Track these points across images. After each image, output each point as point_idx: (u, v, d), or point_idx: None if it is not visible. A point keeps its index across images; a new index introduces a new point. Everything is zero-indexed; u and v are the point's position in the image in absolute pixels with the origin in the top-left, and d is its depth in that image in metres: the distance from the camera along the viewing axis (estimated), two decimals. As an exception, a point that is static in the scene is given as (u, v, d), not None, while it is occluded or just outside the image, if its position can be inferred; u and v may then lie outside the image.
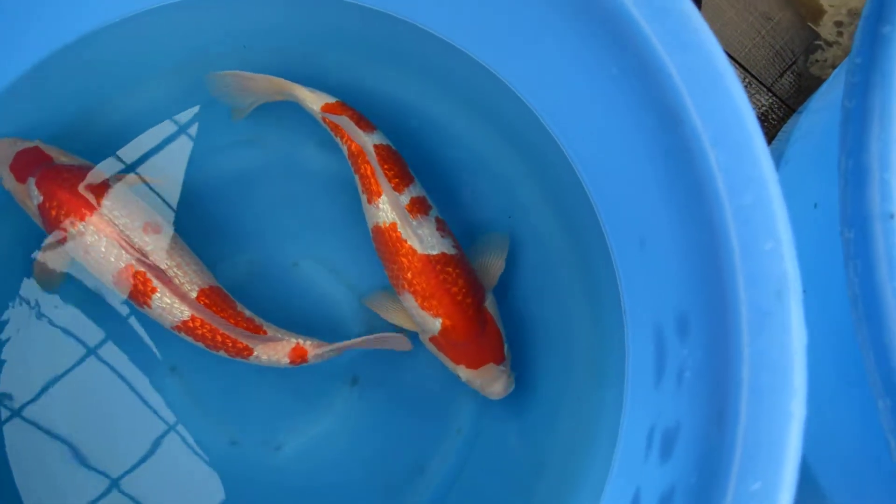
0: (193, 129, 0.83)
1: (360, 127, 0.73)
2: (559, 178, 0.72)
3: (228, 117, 0.83)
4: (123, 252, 0.71)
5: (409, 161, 0.76)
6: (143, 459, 0.77)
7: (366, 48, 0.82)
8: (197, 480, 0.77)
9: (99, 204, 0.72)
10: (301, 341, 0.72)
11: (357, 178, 0.74)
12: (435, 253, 0.70)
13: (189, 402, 0.78)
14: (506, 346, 0.72)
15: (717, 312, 0.47)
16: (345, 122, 0.73)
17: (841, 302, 0.57)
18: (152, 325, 0.76)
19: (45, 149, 0.76)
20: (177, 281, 0.71)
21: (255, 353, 0.71)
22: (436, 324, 0.70)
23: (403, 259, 0.70)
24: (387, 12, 0.77)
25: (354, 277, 0.80)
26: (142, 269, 0.71)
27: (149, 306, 0.72)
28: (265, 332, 0.72)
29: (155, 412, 0.78)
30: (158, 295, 0.71)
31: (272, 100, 0.78)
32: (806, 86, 0.94)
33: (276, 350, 0.71)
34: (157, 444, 0.77)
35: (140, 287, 0.71)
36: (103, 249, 0.71)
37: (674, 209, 0.52)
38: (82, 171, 0.74)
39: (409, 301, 0.71)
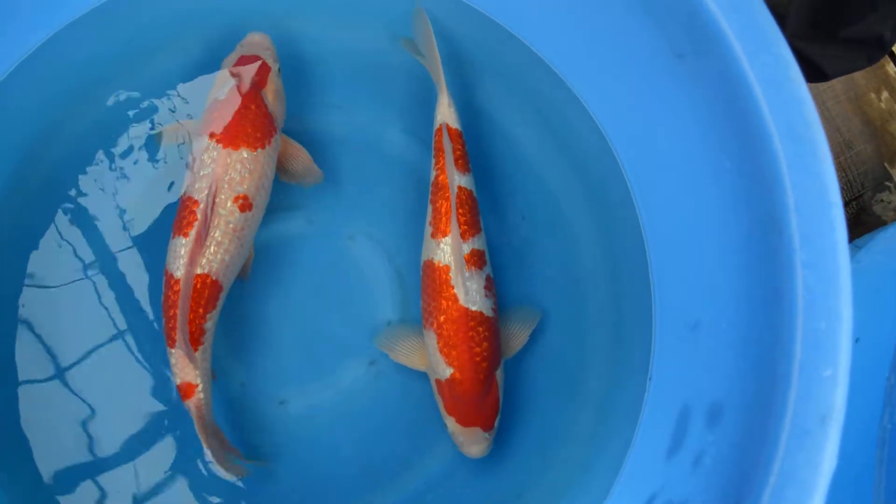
0: (290, 81, 0.85)
1: (458, 165, 0.75)
2: (625, 240, 0.74)
3: (325, 78, 0.85)
4: (203, 193, 0.71)
5: (477, 163, 0.78)
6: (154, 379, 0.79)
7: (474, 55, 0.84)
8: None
9: (236, 148, 0.72)
10: (199, 388, 0.71)
11: (430, 207, 0.76)
12: (474, 309, 0.72)
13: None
14: (497, 418, 0.74)
15: (759, 417, 0.50)
16: (449, 150, 0.74)
17: (856, 438, 0.60)
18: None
19: (271, 78, 0.76)
20: (203, 251, 0.70)
21: (171, 353, 0.71)
22: (447, 372, 0.72)
23: (444, 302, 0.72)
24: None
25: (404, 266, 0.82)
26: (197, 216, 0.70)
27: (172, 237, 0.72)
28: (195, 350, 0.71)
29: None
30: (182, 242, 0.71)
31: (423, 65, 0.79)
32: (865, 220, 0.97)
33: (182, 370, 0.71)
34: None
35: (181, 222, 0.71)
36: (199, 173, 0.72)
37: (743, 307, 0.55)
38: (263, 116, 0.74)
39: (432, 339, 0.73)
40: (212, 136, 0.72)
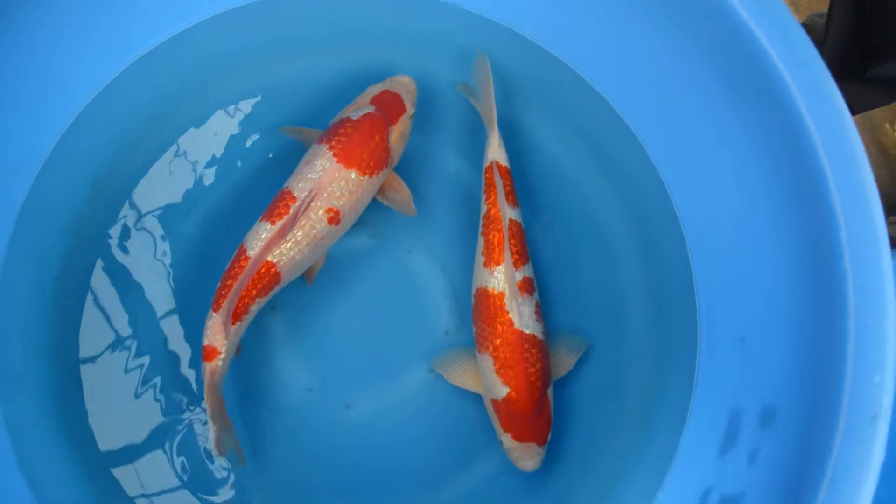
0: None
1: (508, 200, 0.81)
2: (670, 263, 0.79)
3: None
4: (303, 193, 0.77)
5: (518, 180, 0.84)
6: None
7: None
8: (272, 414, 0.85)
9: (348, 167, 0.78)
10: (221, 355, 0.76)
11: (482, 239, 0.81)
12: (528, 332, 0.78)
13: (282, 341, 0.87)
14: (550, 434, 0.80)
15: (812, 418, 0.57)
16: (500, 187, 0.80)
17: None
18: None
19: (403, 119, 0.82)
20: (280, 243, 0.76)
21: (210, 315, 0.76)
22: (503, 391, 0.78)
23: (499, 326, 0.78)
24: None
25: (459, 280, 0.88)
26: (289, 211, 0.76)
27: (259, 220, 0.78)
28: (233, 323, 0.76)
29: (249, 346, 0.86)
30: (266, 227, 0.77)
31: (476, 107, 0.86)
32: (879, 241, 1.05)
33: (213, 334, 0.76)
34: (243, 373, 0.86)
35: (273, 210, 0.77)
36: (306, 175, 0.78)
37: (793, 326, 0.62)
38: (382, 150, 0.80)
39: (487, 362, 0.79)
40: (331, 147, 0.78)
